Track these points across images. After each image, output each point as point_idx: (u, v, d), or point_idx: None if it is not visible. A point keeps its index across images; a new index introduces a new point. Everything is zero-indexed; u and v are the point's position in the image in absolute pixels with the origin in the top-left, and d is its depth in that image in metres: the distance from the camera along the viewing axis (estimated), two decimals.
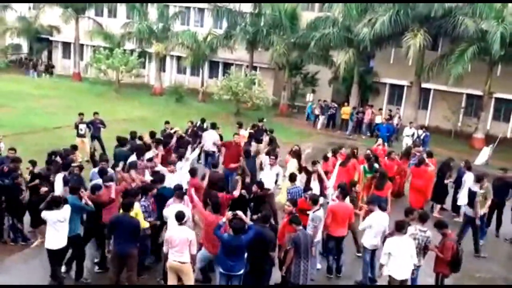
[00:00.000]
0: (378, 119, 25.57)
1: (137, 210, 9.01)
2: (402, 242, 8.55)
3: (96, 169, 11.12)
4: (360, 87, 29.85)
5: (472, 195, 12.17)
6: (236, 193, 10.33)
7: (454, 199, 14.36)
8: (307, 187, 10.86)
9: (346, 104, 28.42)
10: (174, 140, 14.15)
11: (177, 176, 11.52)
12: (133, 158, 12.05)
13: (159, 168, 11.91)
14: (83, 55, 38.39)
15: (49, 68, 39.06)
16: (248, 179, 11.82)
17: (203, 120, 18.02)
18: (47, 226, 8.78)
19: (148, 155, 12.39)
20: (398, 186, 15.27)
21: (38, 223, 10.04)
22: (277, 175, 12.29)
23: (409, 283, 8.97)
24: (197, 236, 8.81)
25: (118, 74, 31.79)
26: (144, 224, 9.16)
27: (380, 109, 27.07)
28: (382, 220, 9.81)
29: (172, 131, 15.62)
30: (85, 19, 36.59)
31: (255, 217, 9.93)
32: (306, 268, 8.65)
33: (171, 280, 8.49)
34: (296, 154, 13.54)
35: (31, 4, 39.76)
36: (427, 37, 24.30)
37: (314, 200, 9.79)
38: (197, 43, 31.65)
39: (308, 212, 9.71)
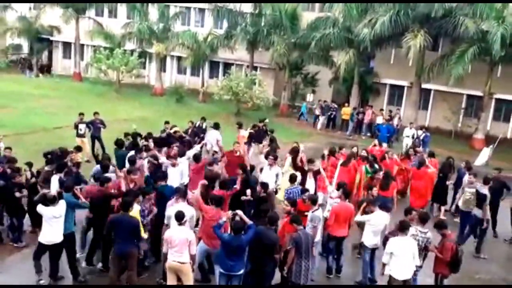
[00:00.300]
0: (379, 120, 25.57)
1: (136, 213, 8.96)
2: (405, 243, 8.56)
3: (98, 166, 11.29)
4: (360, 88, 29.86)
5: (481, 197, 12.17)
6: (237, 186, 10.33)
7: (454, 200, 14.34)
8: (303, 188, 10.84)
9: (346, 104, 28.43)
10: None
11: (177, 172, 11.66)
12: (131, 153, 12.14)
13: (163, 160, 11.94)
14: (84, 55, 38.37)
15: (45, 68, 38.80)
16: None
17: (203, 119, 18.00)
18: (42, 221, 8.88)
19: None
20: (402, 184, 15.22)
21: (39, 222, 10.04)
22: (277, 175, 12.29)
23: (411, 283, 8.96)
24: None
25: (119, 74, 31.81)
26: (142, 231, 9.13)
27: (381, 110, 27.05)
28: (382, 219, 9.85)
29: (172, 131, 15.64)
30: (85, 19, 36.59)
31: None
32: (307, 267, 8.66)
33: (171, 280, 8.47)
34: (294, 151, 13.53)
35: (32, 4, 39.75)
36: (428, 37, 24.30)
37: (313, 200, 9.79)
38: (198, 43, 31.67)
39: (306, 213, 9.71)
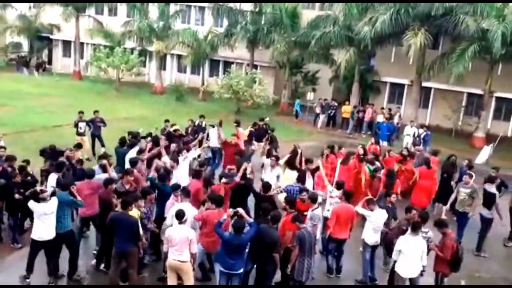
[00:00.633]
0: (380, 118, 25.54)
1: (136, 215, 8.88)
2: (415, 242, 8.59)
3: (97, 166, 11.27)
4: (361, 86, 29.84)
5: (489, 196, 12.16)
6: (237, 179, 10.29)
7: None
8: (302, 188, 10.82)
9: (347, 103, 28.40)
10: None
11: (177, 171, 11.68)
12: (132, 154, 12.10)
13: (165, 159, 11.92)
14: (84, 54, 38.32)
15: (41, 66, 38.64)
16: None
17: (202, 117, 17.98)
18: (34, 217, 8.89)
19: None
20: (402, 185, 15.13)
21: None
22: (278, 177, 12.25)
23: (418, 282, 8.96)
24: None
25: (119, 73, 31.80)
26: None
27: (382, 108, 27.02)
28: (382, 216, 9.89)
29: (172, 129, 15.63)
30: (85, 18, 36.57)
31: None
32: (310, 265, 8.67)
33: (171, 279, 8.47)
34: (293, 153, 13.50)
35: (32, 3, 39.72)
36: (428, 35, 24.26)
37: (313, 199, 9.77)
38: (198, 41, 31.65)
39: (305, 213, 9.69)
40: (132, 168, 10.85)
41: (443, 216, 13.28)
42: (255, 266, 8.78)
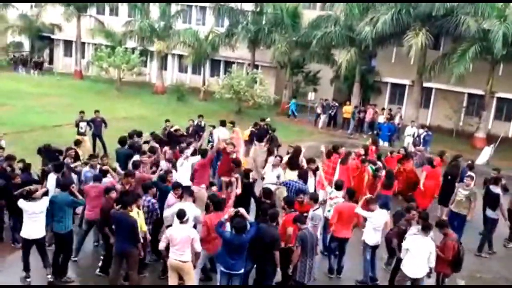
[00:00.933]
0: (381, 119, 25.52)
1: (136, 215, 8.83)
2: (424, 242, 8.58)
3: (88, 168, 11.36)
4: (362, 86, 29.83)
5: (492, 197, 12.13)
6: (238, 190, 10.27)
7: None
8: (300, 188, 10.80)
9: (347, 103, 28.38)
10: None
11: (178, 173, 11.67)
12: (136, 157, 12.04)
13: (162, 164, 11.91)
14: (85, 53, 38.34)
15: (38, 65, 38.46)
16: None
17: (201, 116, 17.96)
18: (23, 215, 8.91)
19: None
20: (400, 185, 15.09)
21: None
22: (278, 177, 12.20)
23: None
24: None
25: (120, 73, 31.82)
26: (143, 227, 9.05)
27: (383, 109, 27.00)
28: (382, 216, 9.88)
29: (172, 129, 15.61)
30: (86, 17, 36.62)
31: None
32: (311, 266, 8.64)
33: (172, 279, 8.44)
34: (296, 152, 13.44)
35: (33, 3, 39.73)
36: (429, 36, 24.23)
37: (315, 199, 9.75)
38: (199, 41, 31.65)
39: (305, 214, 9.65)
40: (134, 170, 10.84)
41: (444, 217, 13.35)
42: (254, 266, 8.75)
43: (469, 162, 14.51)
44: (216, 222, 8.44)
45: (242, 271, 8.36)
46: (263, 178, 12.50)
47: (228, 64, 34.24)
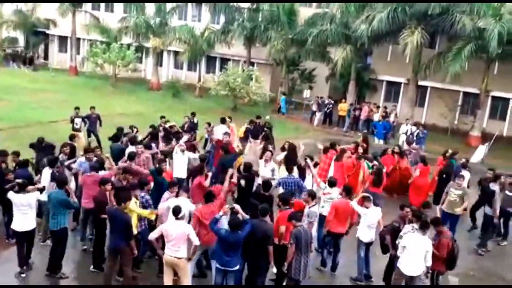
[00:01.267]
0: (376, 117, 25.57)
1: (133, 209, 8.86)
2: (421, 240, 8.61)
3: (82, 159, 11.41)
4: (357, 84, 29.86)
5: (489, 193, 12.20)
6: (233, 180, 10.30)
7: None
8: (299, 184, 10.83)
9: (343, 100, 28.39)
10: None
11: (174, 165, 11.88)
12: (131, 149, 12.08)
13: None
14: (80, 49, 38.14)
15: (29, 60, 38.02)
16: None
17: (193, 114, 17.97)
18: (13, 208, 8.99)
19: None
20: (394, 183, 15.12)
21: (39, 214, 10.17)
22: (272, 171, 12.24)
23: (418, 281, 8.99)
24: None
25: (115, 69, 31.70)
26: (145, 213, 9.06)
27: (378, 107, 27.05)
28: (376, 213, 9.93)
29: (167, 125, 15.60)
30: (82, 13, 36.40)
31: None
32: (306, 263, 8.64)
33: (167, 275, 8.42)
34: (291, 149, 13.46)
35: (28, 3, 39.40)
36: (425, 34, 24.29)
37: (313, 196, 9.75)
38: (195, 38, 31.60)
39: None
40: (131, 163, 10.89)
41: (438, 215, 13.39)
42: (246, 263, 8.72)
43: (463, 160, 14.58)
44: (205, 214, 8.48)
45: (237, 267, 8.36)
46: (258, 175, 12.50)
47: (224, 61, 34.23)
